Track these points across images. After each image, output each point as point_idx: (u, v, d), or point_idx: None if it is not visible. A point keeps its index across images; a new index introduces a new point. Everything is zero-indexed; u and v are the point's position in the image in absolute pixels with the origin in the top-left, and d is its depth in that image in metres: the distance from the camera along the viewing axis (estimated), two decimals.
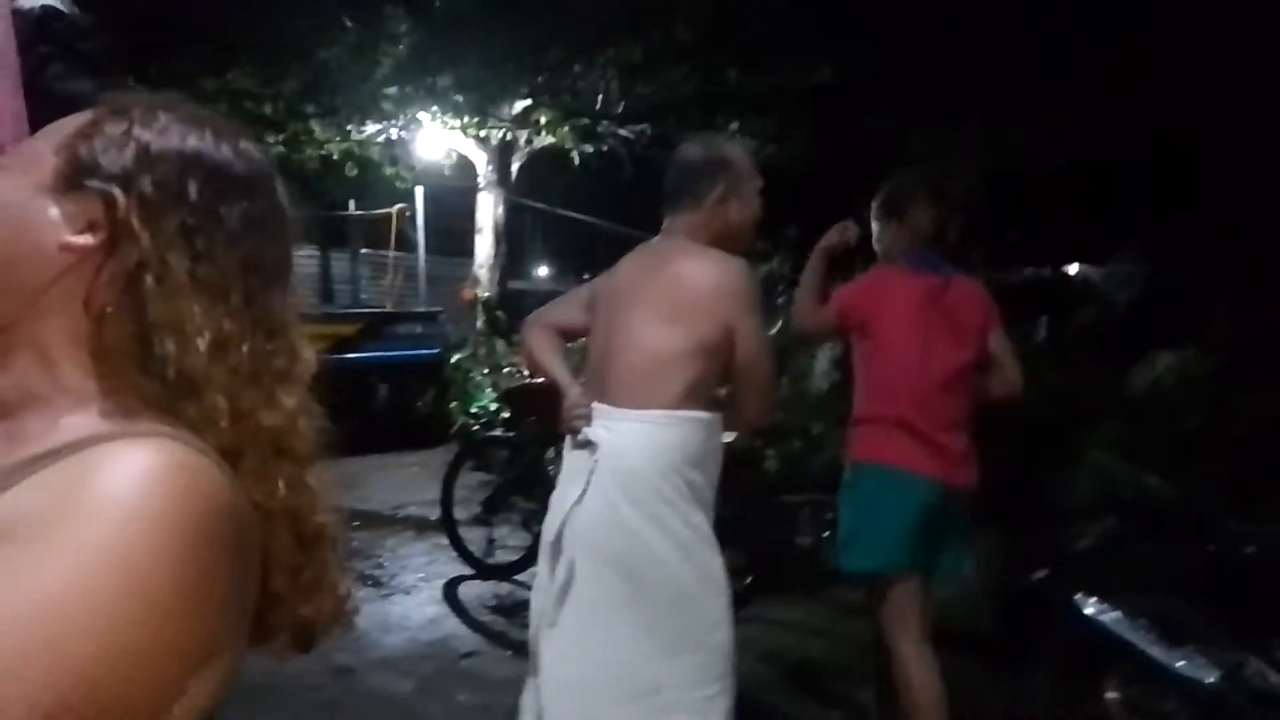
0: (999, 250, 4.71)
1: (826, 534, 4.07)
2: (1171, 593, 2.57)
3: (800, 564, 4.03)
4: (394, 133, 7.31)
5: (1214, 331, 4.90)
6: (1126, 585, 2.46)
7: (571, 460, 1.88)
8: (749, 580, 3.75)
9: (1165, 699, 2.51)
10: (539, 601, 1.87)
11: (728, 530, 3.86)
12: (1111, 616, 2.49)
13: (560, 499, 1.86)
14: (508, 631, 3.63)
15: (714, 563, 1.86)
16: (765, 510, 4.05)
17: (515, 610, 3.84)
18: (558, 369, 1.97)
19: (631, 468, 1.77)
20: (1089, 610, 2.46)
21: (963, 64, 6.58)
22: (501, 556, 4.21)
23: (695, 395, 1.81)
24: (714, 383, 1.86)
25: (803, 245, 5.54)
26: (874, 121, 6.85)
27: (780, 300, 5.32)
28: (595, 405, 1.84)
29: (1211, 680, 2.38)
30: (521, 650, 3.50)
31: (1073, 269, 12.03)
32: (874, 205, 2.52)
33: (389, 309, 8.67)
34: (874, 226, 2.51)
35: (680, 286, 1.84)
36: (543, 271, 17.85)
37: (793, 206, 6.05)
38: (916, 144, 6.76)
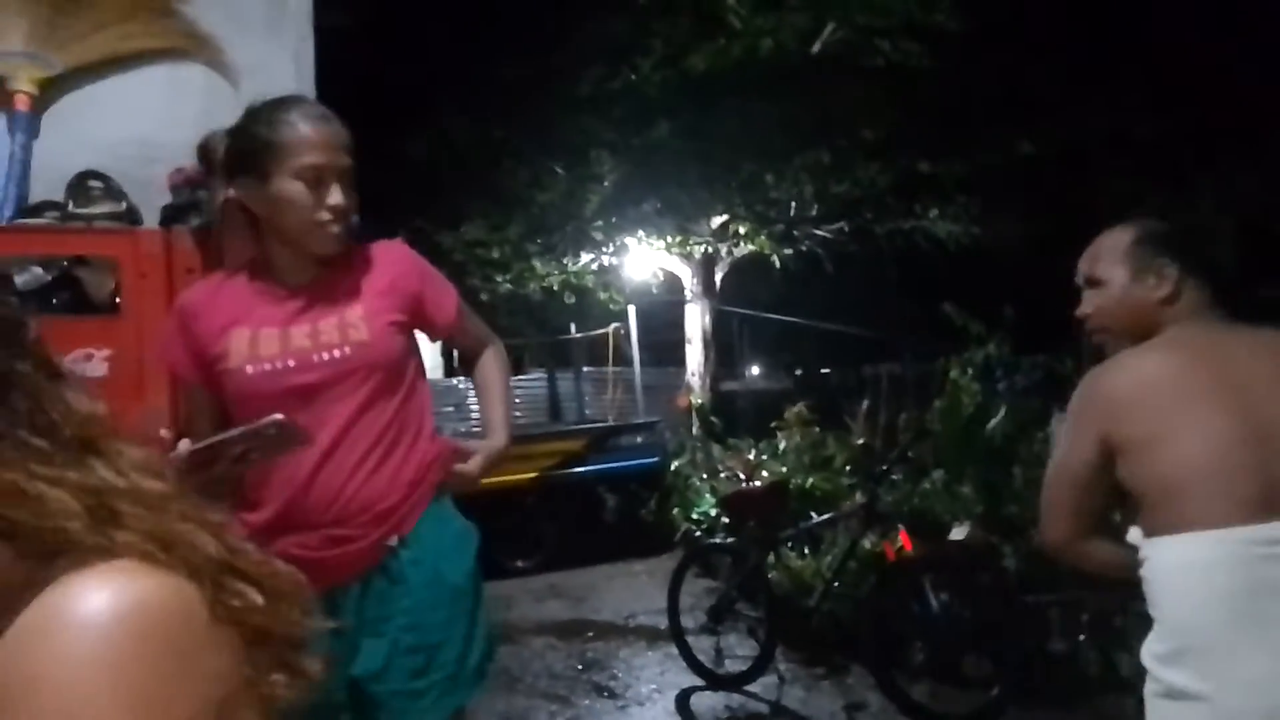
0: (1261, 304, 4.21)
1: (1083, 637, 3.73)
2: None
3: (1055, 672, 3.69)
4: (605, 259, 7.89)
5: None
6: None
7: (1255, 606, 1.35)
8: (995, 692, 3.48)
9: None
10: None
11: (968, 636, 3.69)
12: None
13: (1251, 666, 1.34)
14: None
15: None
16: (1009, 613, 3.77)
17: None
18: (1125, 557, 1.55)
19: None
20: None
21: (1178, 119, 6.13)
22: (731, 666, 4.20)
23: None
24: None
25: (1020, 327, 5.29)
26: (1091, 189, 6.50)
27: (1001, 385, 5.06)
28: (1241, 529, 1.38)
29: None
30: None
31: None
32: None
33: (611, 422, 9.05)
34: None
35: None
36: (753, 371, 18.00)
37: (1006, 286, 5.83)
38: (1142, 207, 6.31)
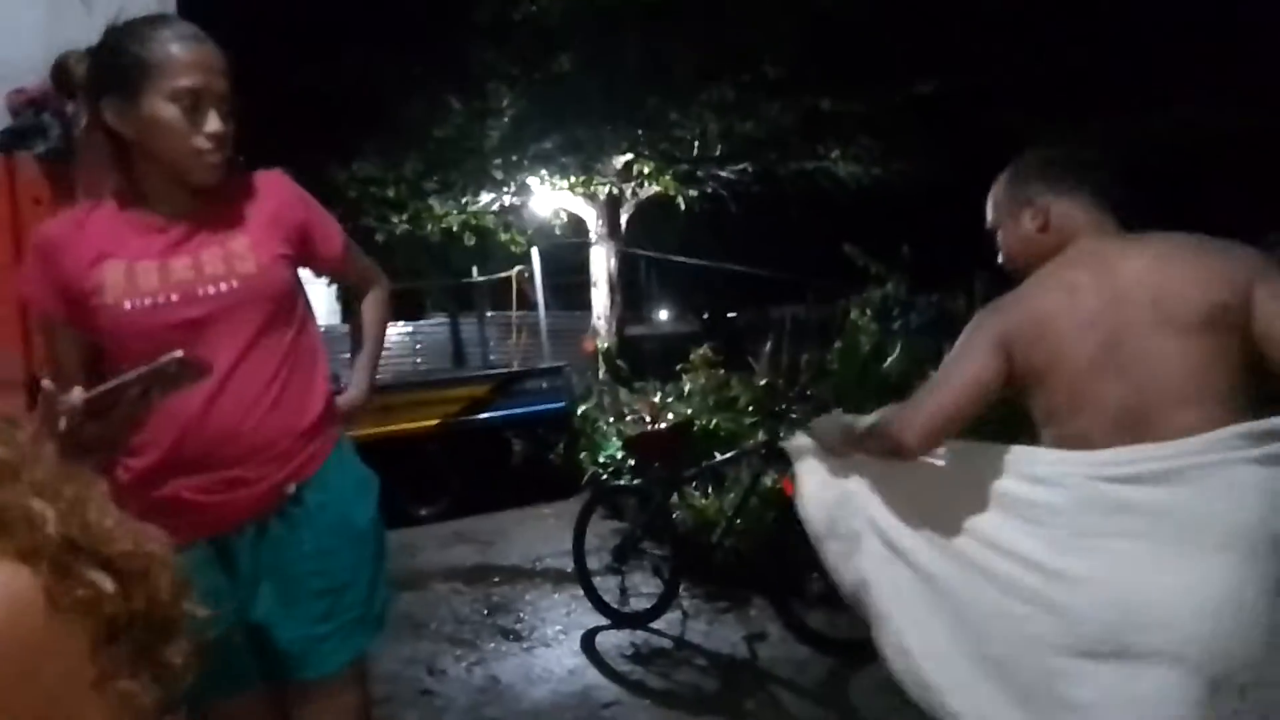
0: None
1: None
2: None
3: None
4: (506, 199, 7.70)
5: None
6: None
7: (1115, 521, 1.44)
8: None
9: None
10: None
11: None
12: None
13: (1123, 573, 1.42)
14: (645, 680, 3.65)
15: None
16: None
17: (652, 659, 3.86)
18: None
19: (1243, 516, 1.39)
20: None
21: (1071, 58, 6.31)
22: (635, 604, 4.25)
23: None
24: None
25: (917, 266, 5.43)
26: (985, 127, 6.66)
27: (897, 324, 5.20)
28: (1122, 451, 1.44)
29: None
30: (659, 699, 3.55)
31: None
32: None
33: (516, 367, 8.98)
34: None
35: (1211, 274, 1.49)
36: (660, 314, 18.09)
37: (905, 226, 5.96)
38: (1038, 144, 6.48)
